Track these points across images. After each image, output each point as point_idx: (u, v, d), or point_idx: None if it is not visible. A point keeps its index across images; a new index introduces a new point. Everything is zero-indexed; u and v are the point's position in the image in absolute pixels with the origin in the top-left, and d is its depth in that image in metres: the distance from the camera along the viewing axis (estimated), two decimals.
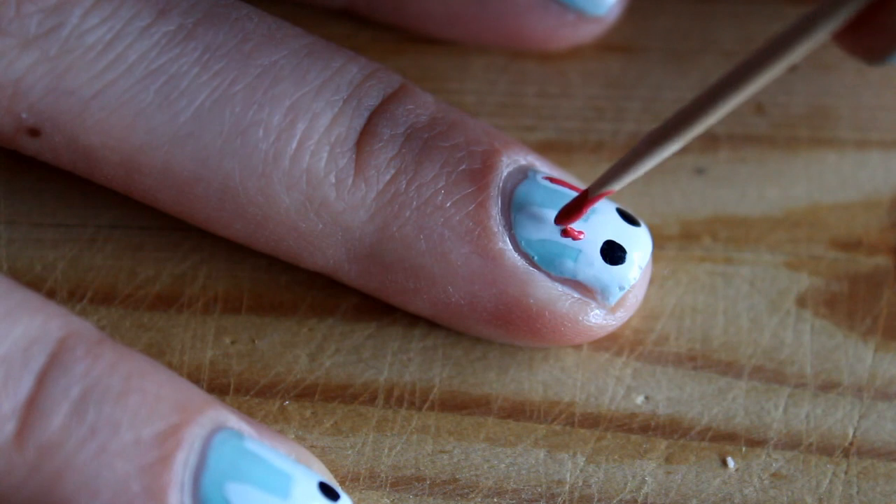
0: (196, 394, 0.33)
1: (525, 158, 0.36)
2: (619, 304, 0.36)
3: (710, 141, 0.40)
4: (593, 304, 0.36)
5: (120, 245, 0.38)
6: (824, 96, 0.40)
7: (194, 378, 0.37)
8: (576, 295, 0.35)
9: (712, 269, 0.38)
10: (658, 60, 0.41)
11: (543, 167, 0.36)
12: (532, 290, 0.35)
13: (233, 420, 0.33)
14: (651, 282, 0.38)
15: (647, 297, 0.38)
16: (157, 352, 0.37)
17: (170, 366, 0.37)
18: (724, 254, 0.38)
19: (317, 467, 0.34)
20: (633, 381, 0.37)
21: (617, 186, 0.34)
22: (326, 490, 0.33)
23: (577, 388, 0.37)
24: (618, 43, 0.41)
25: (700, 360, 0.37)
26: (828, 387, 0.37)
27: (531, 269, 0.35)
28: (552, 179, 0.36)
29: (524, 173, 0.36)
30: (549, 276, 0.35)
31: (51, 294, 0.37)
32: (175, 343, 0.37)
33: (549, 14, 0.39)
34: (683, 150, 0.39)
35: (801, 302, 0.38)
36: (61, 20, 0.35)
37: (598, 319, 0.36)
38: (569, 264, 0.35)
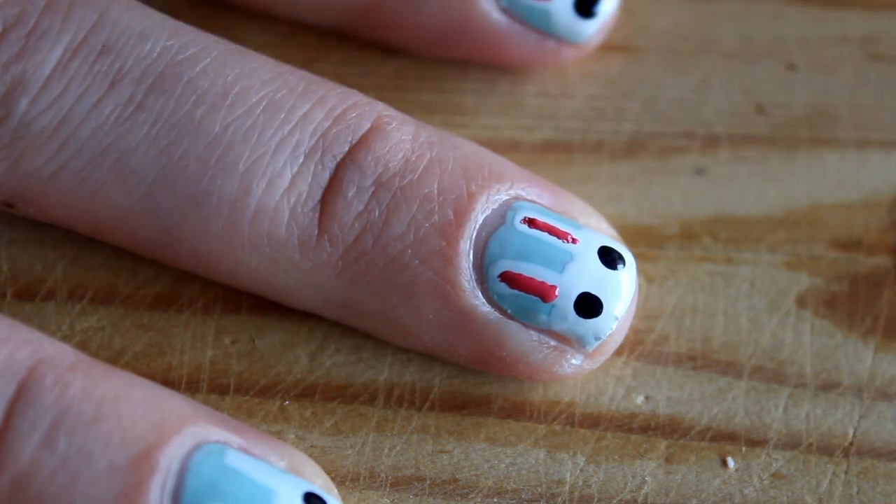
0: (175, 410, 0.33)
1: (509, 192, 0.35)
2: (598, 349, 0.35)
3: (710, 141, 0.40)
4: (570, 351, 0.35)
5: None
6: (824, 96, 0.40)
7: (194, 378, 0.37)
8: (552, 343, 0.35)
9: (712, 269, 0.38)
10: (658, 60, 0.41)
11: (531, 193, 0.35)
12: (506, 343, 0.35)
13: (216, 432, 0.33)
14: (651, 282, 0.38)
15: (647, 297, 0.38)
16: (157, 352, 0.37)
17: (170, 366, 0.37)
18: (724, 254, 0.38)
19: (310, 472, 0.34)
20: (633, 381, 0.37)
21: None
22: (312, 499, 0.33)
23: (577, 388, 0.37)
24: (618, 43, 0.41)
25: (700, 360, 0.37)
26: (828, 387, 0.37)
27: (505, 320, 0.35)
28: (531, 222, 0.35)
29: (503, 216, 0.35)
30: (523, 324, 0.35)
31: (51, 294, 0.37)
32: (175, 343, 0.37)
33: (528, 42, 0.39)
34: (683, 150, 0.39)
35: (801, 302, 0.38)
36: (8, 111, 0.34)
37: (574, 368, 0.35)
38: (542, 318, 0.35)
